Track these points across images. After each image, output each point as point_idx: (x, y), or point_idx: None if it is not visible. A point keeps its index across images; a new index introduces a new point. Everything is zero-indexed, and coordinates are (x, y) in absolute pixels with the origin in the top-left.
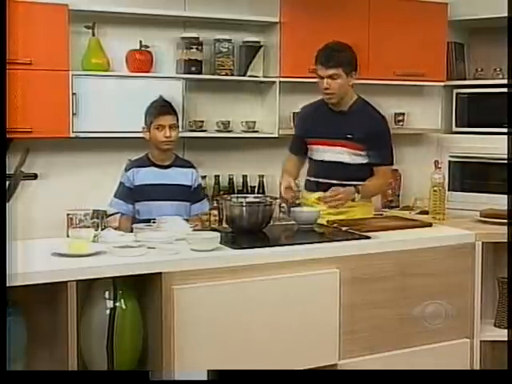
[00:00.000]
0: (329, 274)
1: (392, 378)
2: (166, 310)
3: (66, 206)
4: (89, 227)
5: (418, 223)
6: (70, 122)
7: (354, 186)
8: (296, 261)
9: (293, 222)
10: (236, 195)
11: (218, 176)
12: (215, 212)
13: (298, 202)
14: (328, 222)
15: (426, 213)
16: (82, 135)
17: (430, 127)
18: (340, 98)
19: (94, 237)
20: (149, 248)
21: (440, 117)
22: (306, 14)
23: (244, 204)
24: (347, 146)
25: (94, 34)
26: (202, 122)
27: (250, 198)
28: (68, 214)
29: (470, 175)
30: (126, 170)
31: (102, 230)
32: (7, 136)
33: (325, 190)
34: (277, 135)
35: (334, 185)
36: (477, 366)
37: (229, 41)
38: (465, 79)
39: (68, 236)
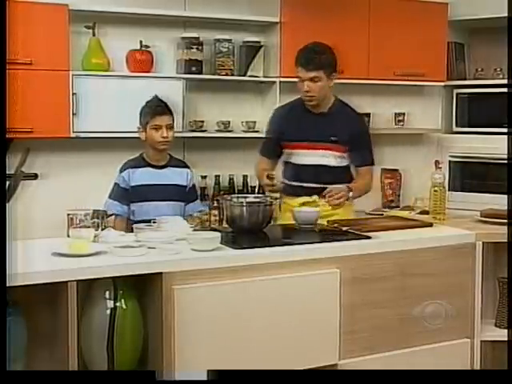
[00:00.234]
0: (329, 274)
1: (392, 378)
2: (166, 309)
3: (67, 206)
4: (89, 227)
5: (418, 223)
6: (70, 122)
7: (347, 186)
8: (296, 261)
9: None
10: (236, 195)
11: (219, 176)
12: (215, 212)
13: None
14: (328, 222)
15: (427, 213)
16: (82, 135)
17: (431, 127)
18: (321, 100)
19: (95, 237)
20: (149, 248)
21: (440, 117)
22: (306, 14)
23: (244, 204)
24: (332, 149)
25: (94, 34)
26: (203, 121)
27: (251, 197)
28: (68, 214)
29: (470, 175)
30: (121, 170)
31: (103, 229)
32: (7, 136)
33: (310, 195)
34: None
35: (320, 188)
36: (477, 366)
37: (229, 41)
38: (465, 79)
39: (68, 236)
